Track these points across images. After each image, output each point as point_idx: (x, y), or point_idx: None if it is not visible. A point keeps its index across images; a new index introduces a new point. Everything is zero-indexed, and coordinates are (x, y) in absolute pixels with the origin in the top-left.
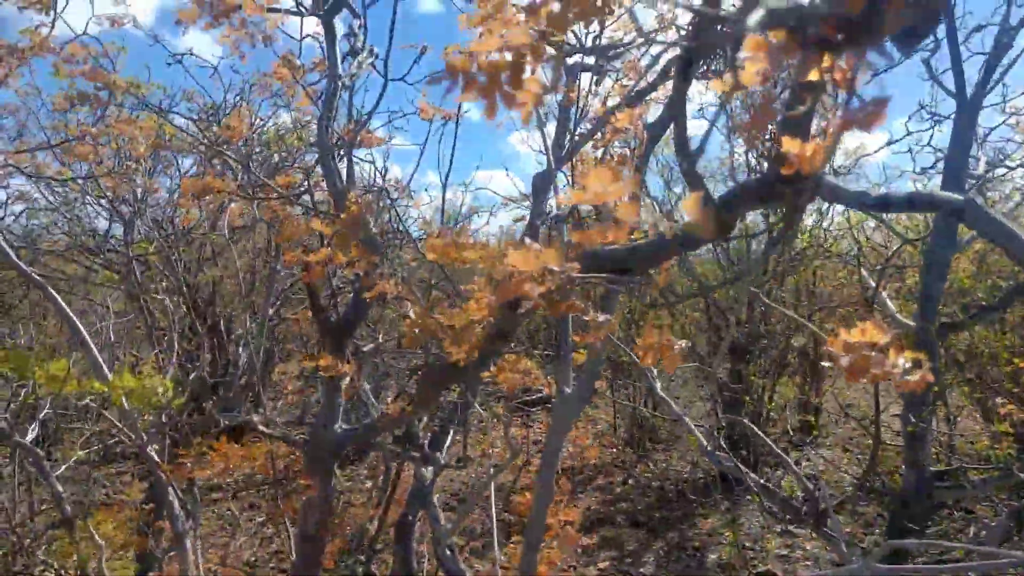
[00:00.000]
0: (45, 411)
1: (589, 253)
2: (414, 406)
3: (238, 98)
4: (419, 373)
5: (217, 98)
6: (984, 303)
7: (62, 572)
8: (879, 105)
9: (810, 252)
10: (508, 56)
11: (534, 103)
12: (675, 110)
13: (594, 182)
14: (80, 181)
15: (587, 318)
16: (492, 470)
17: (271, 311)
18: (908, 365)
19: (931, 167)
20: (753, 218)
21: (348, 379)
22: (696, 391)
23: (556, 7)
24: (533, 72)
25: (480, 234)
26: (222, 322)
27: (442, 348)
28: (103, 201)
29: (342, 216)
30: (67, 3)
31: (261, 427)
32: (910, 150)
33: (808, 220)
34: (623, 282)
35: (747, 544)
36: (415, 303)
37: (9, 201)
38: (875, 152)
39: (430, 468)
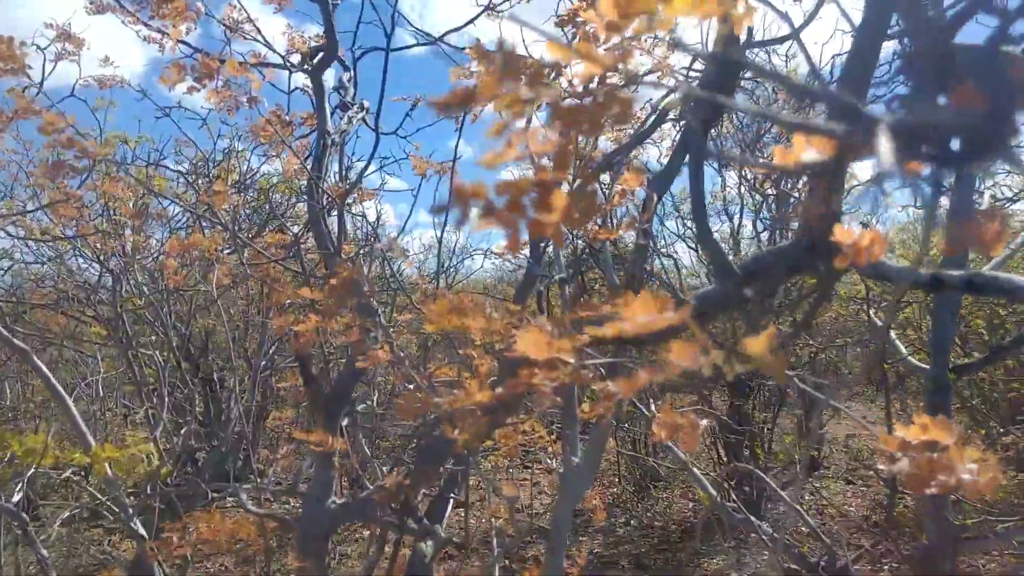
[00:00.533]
0: (32, 470)
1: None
2: (412, 481)
3: (227, 149)
4: (416, 441)
5: (208, 146)
6: (983, 331)
7: None
8: (997, 218)
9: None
10: (529, 171)
11: (570, 226)
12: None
13: (640, 311)
14: (68, 236)
15: (596, 387)
16: (496, 552)
17: (263, 361)
18: (976, 467)
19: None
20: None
21: (340, 454)
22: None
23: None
24: (559, 186)
25: (475, 277)
26: (215, 372)
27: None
28: (90, 252)
29: (332, 281)
30: (55, 66)
31: (250, 505)
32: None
33: None
34: (634, 356)
35: None
36: (411, 372)
37: None
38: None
39: (430, 543)
